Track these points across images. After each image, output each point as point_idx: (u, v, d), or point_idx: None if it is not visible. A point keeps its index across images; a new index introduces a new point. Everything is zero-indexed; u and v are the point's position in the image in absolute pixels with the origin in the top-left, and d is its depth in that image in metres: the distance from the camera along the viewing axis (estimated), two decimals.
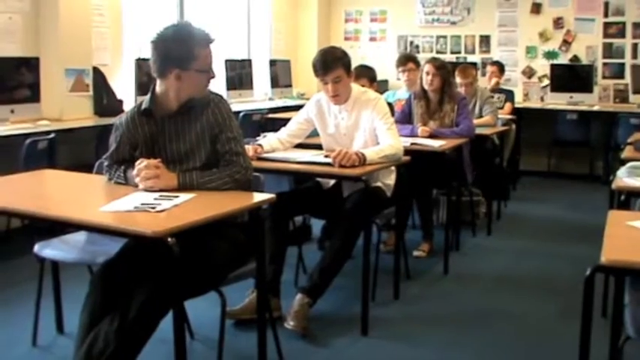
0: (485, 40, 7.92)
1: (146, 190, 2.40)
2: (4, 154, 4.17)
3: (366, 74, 4.54)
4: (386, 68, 7.53)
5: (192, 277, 2.25)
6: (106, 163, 2.67)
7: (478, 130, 4.71)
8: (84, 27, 5.24)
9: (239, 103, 6.59)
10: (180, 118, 2.56)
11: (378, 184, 3.54)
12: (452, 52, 8.04)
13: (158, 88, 2.54)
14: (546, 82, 7.58)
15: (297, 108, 4.11)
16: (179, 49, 2.43)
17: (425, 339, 3.17)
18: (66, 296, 3.12)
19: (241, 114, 5.97)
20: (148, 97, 2.57)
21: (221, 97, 2.64)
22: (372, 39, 8.50)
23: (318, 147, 3.62)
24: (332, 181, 3.54)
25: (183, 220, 2.05)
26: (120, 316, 2.14)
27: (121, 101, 5.46)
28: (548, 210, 5.96)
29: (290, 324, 3.09)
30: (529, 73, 7.77)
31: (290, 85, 7.78)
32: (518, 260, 4.47)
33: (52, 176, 3.02)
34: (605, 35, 7.38)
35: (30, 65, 4.76)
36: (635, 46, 7.27)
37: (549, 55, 7.64)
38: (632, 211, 2.72)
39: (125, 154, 2.61)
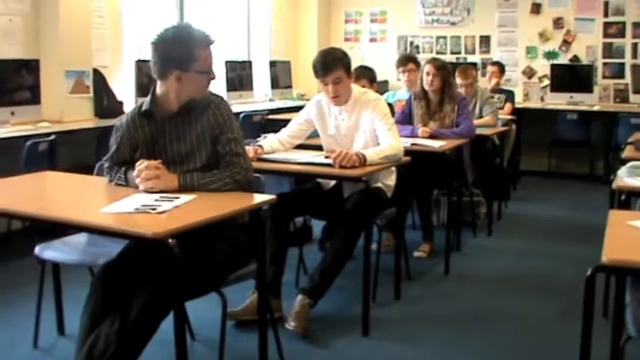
0: (485, 40, 7.92)
1: (146, 191, 2.40)
2: (5, 156, 4.17)
3: (366, 75, 4.53)
4: (386, 69, 7.53)
5: (193, 279, 2.25)
6: (106, 165, 2.67)
7: (478, 131, 4.71)
8: (84, 29, 5.24)
9: (239, 104, 6.59)
10: (181, 120, 2.56)
11: (379, 184, 3.54)
12: (452, 53, 8.04)
13: (158, 90, 2.54)
14: (546, 82, 7.57)
15: (298, 109, 4.10)
16: (179, 50, 2.44)
17: (426, 339, 3.17)
18: (67, 298, 3.12)
19: (241, 115, 5.97)
20: (148, 98, 2.57)
21: (221, 98, 2.64)
22: (372, 40, 8.50)
23: (319, 148, 3.62)
24: (332, 182, 3.54)
25: (183, 222, 2.05)
26: (121, 318, 2.15)
27: (121, 103, 5.46)
28: (548, 210, 5.96)
29: (291, 325, 3.09)
30: (529, 73, 7.76)
31: (290, 86, 7.78)
32: (519, 260, 4.47)
33: (52, 178, 3.02)
34: (605, 35, 7.37)
35: (30, 67, 4.75)
36: (635, 45, 7.27)
37: (549, 55, 7.63)
38: (632, 211, 2.72)
39: (125, 155, 2.61)
